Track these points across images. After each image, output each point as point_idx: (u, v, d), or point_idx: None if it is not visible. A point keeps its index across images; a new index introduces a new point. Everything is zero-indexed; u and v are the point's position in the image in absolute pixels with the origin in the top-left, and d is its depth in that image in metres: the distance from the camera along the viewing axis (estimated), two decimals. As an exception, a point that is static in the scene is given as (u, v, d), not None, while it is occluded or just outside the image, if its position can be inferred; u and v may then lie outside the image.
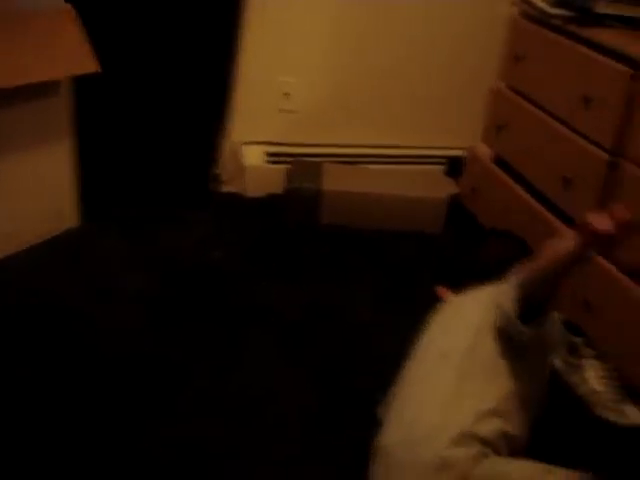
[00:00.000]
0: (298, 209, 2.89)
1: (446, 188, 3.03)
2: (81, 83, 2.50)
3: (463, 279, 1.84)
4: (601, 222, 1.39)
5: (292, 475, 1.77)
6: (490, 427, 1.53)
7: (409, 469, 1.52)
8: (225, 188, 3.13)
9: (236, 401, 1.97)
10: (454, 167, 3.20)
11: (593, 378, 2.10)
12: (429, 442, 1.50)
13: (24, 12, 2.32)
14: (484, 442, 1.51)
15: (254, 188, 3.09)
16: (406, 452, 1.53)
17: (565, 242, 1.45)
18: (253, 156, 3.10)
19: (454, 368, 1.59)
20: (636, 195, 2.07)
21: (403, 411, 1.61)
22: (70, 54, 2.40)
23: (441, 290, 1.89)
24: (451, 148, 3.26)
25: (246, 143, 3.13)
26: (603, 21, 2.40)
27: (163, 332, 2.20)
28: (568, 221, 2.32)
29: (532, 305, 1.54)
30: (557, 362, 2.22)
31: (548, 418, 1.99)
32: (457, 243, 1.95)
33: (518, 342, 1.58)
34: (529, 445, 1.68)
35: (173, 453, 1.78)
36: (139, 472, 1.72)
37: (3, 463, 1.68)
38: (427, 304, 1.88)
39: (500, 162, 2.79)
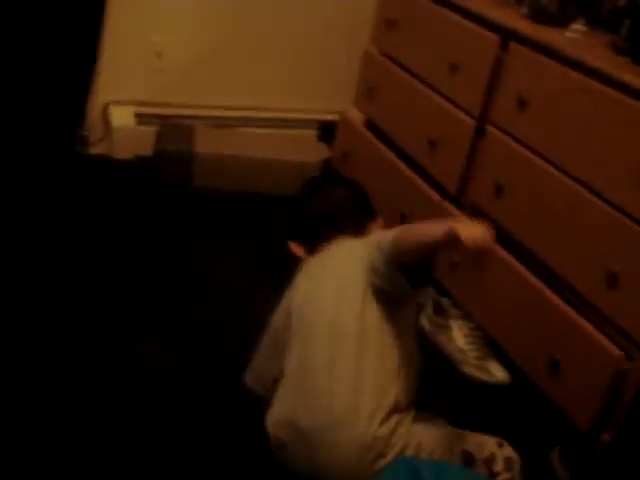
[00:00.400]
0: (169, 172, 2.83)
1: (318, 152, 3.04)
2: None
3: (308, 231, 1.83)
4: (466, 233, 1.40)
5: (156, 445, 1.74)
6: (394, 392, 1.58)
7: (333, 452, 1.55)
8: (93, 150, 3.03)
9: (100, 370, 1.92)
10: (327, 131, 3.21)
11: (459, 337, 2.17)
12: (349, 425, 1.54)
13: None
14: (395, 409, 1.57)
15: (123, 150, 3.00)
16: (327, 436, 1.56)
17: (438, 228, 1.46)
18: (122, 117, 3.00)
19: (350, 351, 1.60)
20: (500, 160, 2.13)
21: (314, 397, 1.60)
22: None
23: (294, 246, 1.86)
24: (324, 112, 3.26)
25: (115, 103, 3.02)
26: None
27: (25, 297, 2.11)
28: (435, 185, 2.38)
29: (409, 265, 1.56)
30: (424, 322, 2.28)
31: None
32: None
33: (399, 297, 1.63)
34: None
35: (36, 428, 1.72)
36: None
37: None
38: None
39: (372, 126, 2.82)
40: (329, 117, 3.22)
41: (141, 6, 2.91)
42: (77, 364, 1.92)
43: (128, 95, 3.03)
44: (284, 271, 1.84)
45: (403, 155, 2.58)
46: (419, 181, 2.45)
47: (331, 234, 1.77)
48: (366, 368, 1.58)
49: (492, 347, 2.17)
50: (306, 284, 1.75)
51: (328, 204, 1.83)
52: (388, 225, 1.73)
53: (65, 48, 2.77)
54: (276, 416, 1.65)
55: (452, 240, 1.41)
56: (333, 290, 1.68)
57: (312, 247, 1.80)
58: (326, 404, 1.57)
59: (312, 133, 3.28)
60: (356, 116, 2.91)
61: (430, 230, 1.49)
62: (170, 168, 2.83)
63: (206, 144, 2.89)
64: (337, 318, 1.63)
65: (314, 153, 3.02)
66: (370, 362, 1.59)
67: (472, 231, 1.42)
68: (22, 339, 1.96)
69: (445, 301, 2.25)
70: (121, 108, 3.02)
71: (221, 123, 3.12)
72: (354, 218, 1.80)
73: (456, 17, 2.34)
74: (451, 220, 1.59)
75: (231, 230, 2.66)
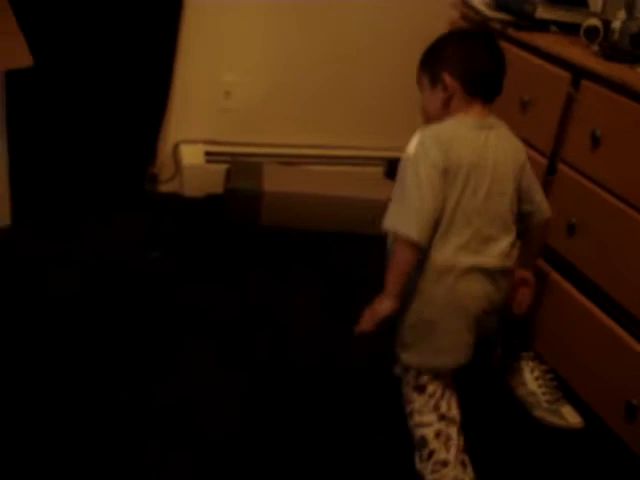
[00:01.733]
0: (238, 210, 2.86)
1: (385, 189, 3.02)
2: (13, 77, 2.42)
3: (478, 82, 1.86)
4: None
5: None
6: None
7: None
8: (163, 188, 3.08)
9: (171, 407, 1.93)
10: (394, 168, 3.19)
11: (531, 380, 2.12)
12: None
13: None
14: None
15: (193, 188, 3.04)
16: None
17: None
18: (192, 155, 3.05)
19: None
20: (572, 198, 2.10)
21: (495, 241, 1.79)
22: (3, 46, 2.32)
23: (449, 79, 1.84)
24: (390, 149, 3.26)
25: (185, 142, 3.08)
26: (542, 26, 2.43)
27: (97, 334, 2.15)
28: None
29: None
30: (495, 364, 2.23)
31: (488, 422, 2.01)
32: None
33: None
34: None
35: (109, 460, 1.73)
36: None
37: None
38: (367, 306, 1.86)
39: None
40: (396, 154, 3.21)
41: (211, 47, 2.97)
42: (144, 399, 1.94)
43: (198, 134, 3.08)
44: (350, 309, 1.83)
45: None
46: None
47: (493, 95, 1.87)
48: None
49: (565, 390, 2.11)
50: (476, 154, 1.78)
51: (503, 65, 1.89)
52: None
53: (137, 89, 2.84)
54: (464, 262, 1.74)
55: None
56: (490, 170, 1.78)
57: (472, 98, 1.84)
58: (502, 244, 1.78)
59: (379, 170, 3.29)
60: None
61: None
62: (239, 206, 2.86)
63: (274, 182, 2.91)
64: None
65: (381, 190, 3.01)
66: None
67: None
68: (91, 375, 1.99)
69: (516, 342, 2.20)
70: (191, 147, 3.07)
71: (289, 161, 3.15)
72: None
73: (526, 55, 2.32)
74: None
75: (299, 268, 2.67)
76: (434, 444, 1.75)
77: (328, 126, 3.24)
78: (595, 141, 2.02)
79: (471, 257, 1.75)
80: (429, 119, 1.92)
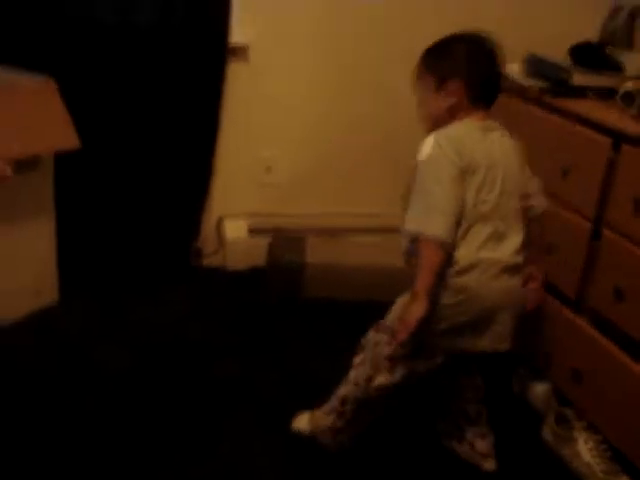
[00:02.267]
0: (281, 282, 2.87)
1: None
2: (60, 155, 2.49)
3: (481, 89, 1.94)
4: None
5: None
6: None
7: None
8: (207, 262, 3.11)
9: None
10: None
11: (585, 450, 2.06)
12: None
13: (5, 85, 2.33)
14: None
15: (236, 261, 3.07)
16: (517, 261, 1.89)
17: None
18: (235, 229, 3.09)
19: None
20: (618, 263, 2.07)
21: (510, 239, 1.87)
22: (51, 129, 2.40)
23: (454, 85, 1.89)
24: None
25: (228, 216, 3.12)
26: (578, 92, 2.44)
27: (142, 407, 2.16)
28: (550, 290, 2.32)
29: None
30: (547, 434, 2.19)
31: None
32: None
33: None
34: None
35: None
36: None
37: None
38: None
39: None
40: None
41: (251, 125, 3.02)
42: (187, 473, 1.93)
43: (241, 208, 3.12)
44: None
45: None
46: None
47: (494, 99, 1.95)
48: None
49: (620, 461, 2.05)
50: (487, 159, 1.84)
51: (502, 69, 1.98)
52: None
53: (181, 167, 2.90)
54: (483, 256, 1.81)
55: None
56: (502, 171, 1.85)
57: (476, 103, 1.91)
58: (514, 240, 1.86)
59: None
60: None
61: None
62: (282, 278, 2.87)
63: (317, 254, 2.93)
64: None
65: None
66: None
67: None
68: (135, 448, 1.99)
69: (568, 411, 2.15)
70: (234, 221, 3.11)
71: (331, 232, 3.17)
72: None
73: (564, 121, 2.32)
74: None
75: (342, 340, 2.64)
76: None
77: (368, 196, 3.26)
78: (638, 205, 2.01)
79: (491, 253, 1.80)
80: (432, 123, 1.94)
